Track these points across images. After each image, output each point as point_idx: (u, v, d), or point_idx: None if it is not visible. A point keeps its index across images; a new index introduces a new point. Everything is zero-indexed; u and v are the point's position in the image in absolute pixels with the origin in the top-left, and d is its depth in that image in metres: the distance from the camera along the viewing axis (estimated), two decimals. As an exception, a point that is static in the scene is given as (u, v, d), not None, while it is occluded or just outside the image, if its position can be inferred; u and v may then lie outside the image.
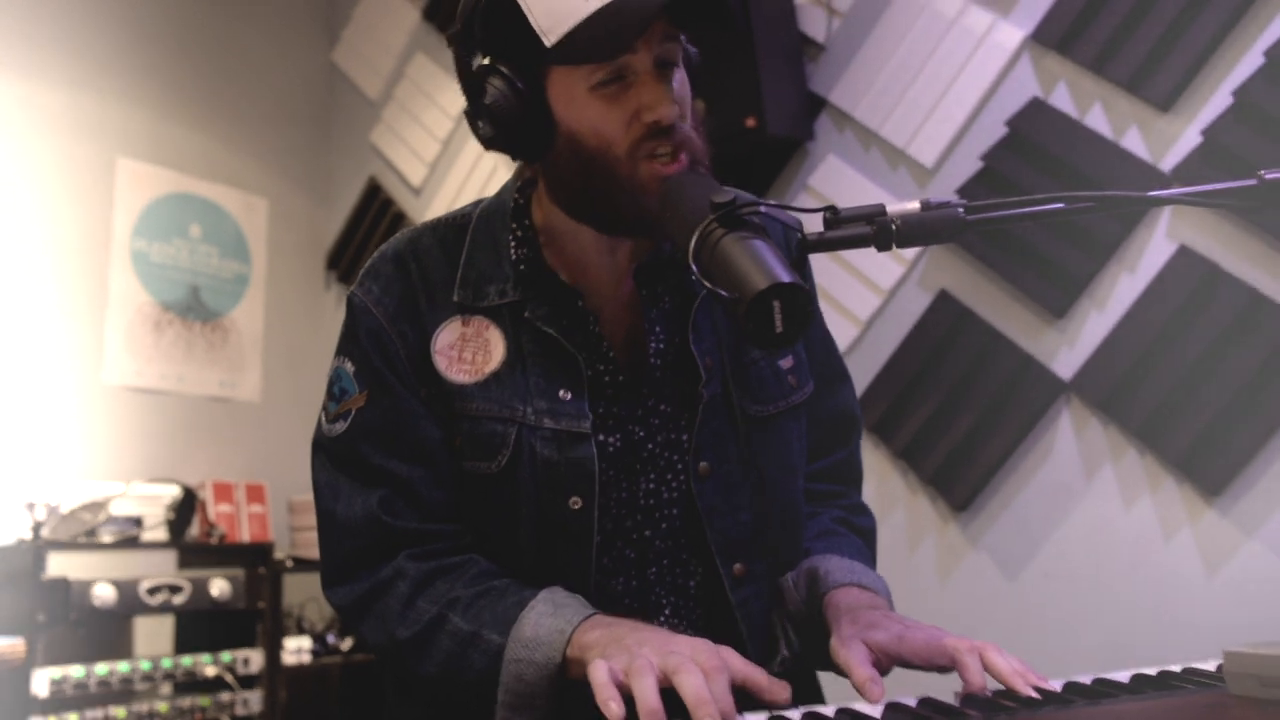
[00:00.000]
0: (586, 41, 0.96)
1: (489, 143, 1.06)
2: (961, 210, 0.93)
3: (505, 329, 1.09)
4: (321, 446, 1.12)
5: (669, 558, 1.11)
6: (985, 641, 0.93)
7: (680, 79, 1.04)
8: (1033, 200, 0.95)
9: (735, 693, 0.85)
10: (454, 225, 1.15)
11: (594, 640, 0.92)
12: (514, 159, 1.09)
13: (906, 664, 0.98)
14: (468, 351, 1.08)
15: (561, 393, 1.07)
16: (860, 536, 1.24)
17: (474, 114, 1.06)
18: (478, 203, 1.18)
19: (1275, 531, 1.99)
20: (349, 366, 1.10)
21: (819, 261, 1.63)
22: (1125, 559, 2.19)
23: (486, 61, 1.02)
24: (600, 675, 0.84)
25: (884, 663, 0.99)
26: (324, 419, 1.12)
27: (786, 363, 1.18)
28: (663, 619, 1.10)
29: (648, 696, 0.81)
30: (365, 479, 1.07)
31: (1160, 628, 2.12)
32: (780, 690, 0.85)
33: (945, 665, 0.94)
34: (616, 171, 1.01)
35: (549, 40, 0.97)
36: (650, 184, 1.01)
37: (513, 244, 1.11)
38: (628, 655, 0.86)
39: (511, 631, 0.96)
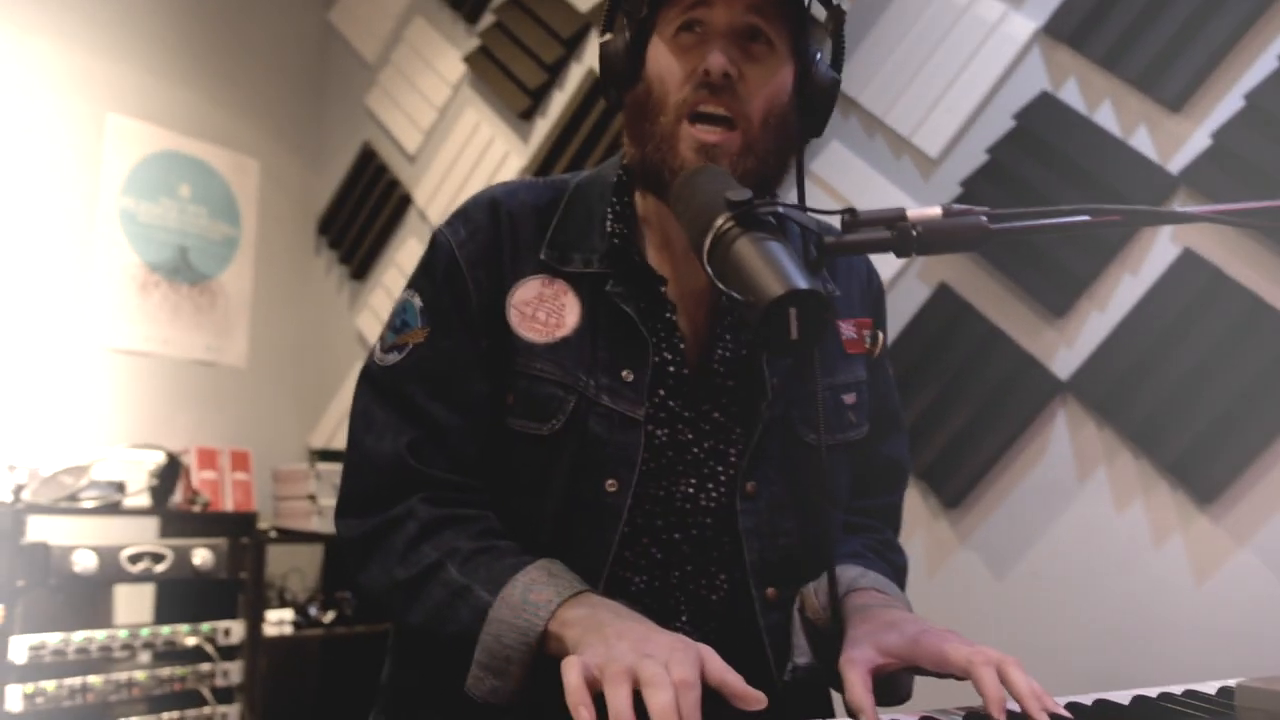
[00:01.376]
0: None
1: (601, 85, 1.09)
2: (985, 219, 0.90)
3: (584, 297, 1.08)
4: (369, 374, 1.11)
5: (693, 565, 1.10)
6: (1006, 655, 0.91)
7: (769, 68, 1.03)
8: (1057, 211, 0.92)
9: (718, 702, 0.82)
10: (552, 187, 1.16)
11: (575, 619, 0.90)
12: (610, 104, 1.10)
13: (919, 668, 0.97)
14: (542, 311, 1.08)
15: (625, 373, 1.06)
16: (890, 566, 1.22)
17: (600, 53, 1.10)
18: (578, 171, 1.19)
19: (1266, 542, 1.99)
20: (417, 301, 1.10)
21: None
22: (1115, 562, 2.18)
23: (613, 12, 1.08)
24: (573, 677, 0.81)
25: (896, 666, 0.97)
26: (379, 346, 1.12)
27: (850, 398, 1.18)
28: (680, 624, 1.09)
29: (620, 708, 0.78)
30: (402, 415, 1.07)
31: (1147, 633, 2.12)
32: (756, 695, 0.82)
33: (959, 675, 0.92)
34: (661, 118, 1.03)
35: None
36: (683, 141, 1.01)
37: (610, 217, 1.11)
38: (604, 648, 0.83)
39: (501, 592, 0.94)
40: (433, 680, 1.09)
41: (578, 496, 1.05)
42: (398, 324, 1.11)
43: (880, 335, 1.18)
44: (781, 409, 1.11)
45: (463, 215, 1.13)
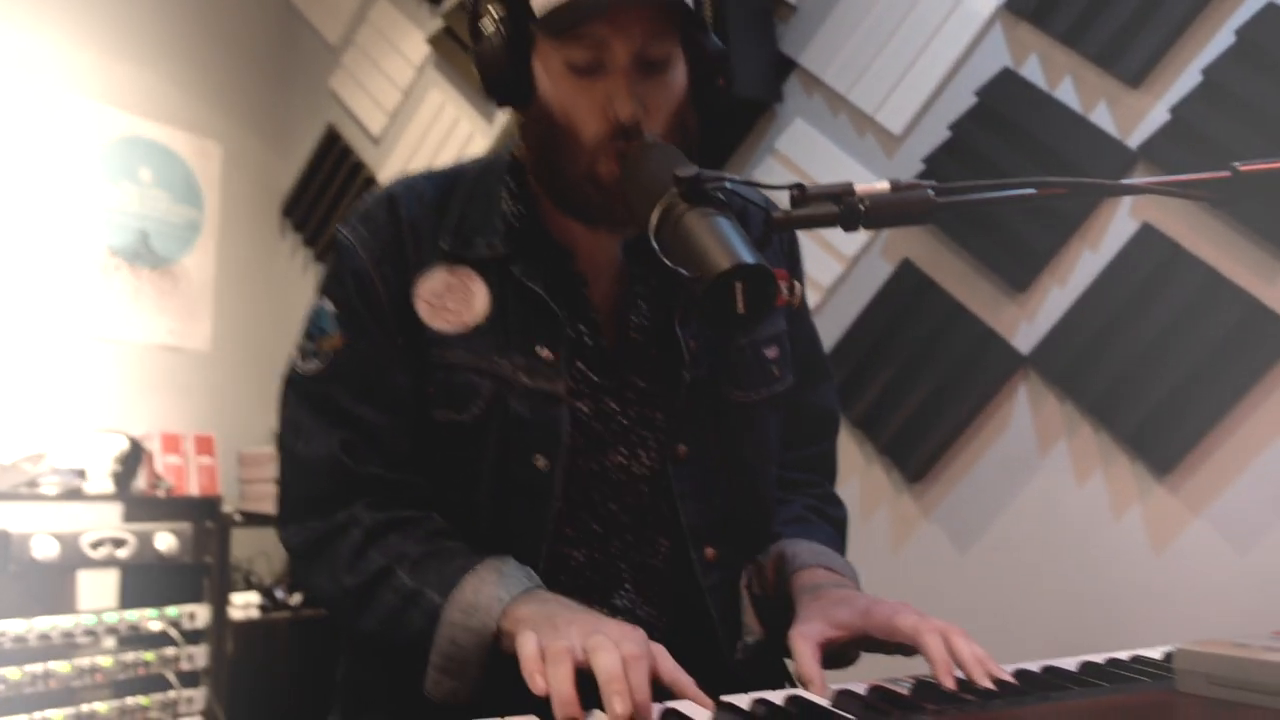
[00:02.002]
0: (562, 14, 0.96)
1: (480, 85, 1.07)
2: (931, 192, 0.90)
3: (491, 282, 1.08)
4: (292, 383, 1.11)
5: (634, 534, 1.10)
6: (951, 625, 0.93)
7: (668, 81, 1.02)
8: (1004, 184, 0.93)
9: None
10: (449, 176, 1.15)
11: (527, 615, 0.90)
12: (498, 106, 1.09)
13: (870, 640, 0.98)
14: (451, 301, 1.07)
15: (541, 350, 1.06)
16: (831, 525, 1.24)
17: (473, 56, 1.07)
18: (476, 159, 1.18)
19: (1221, 511, 2.01)
20: (330, 307, 1.09)
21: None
22: (1075, 534, 2.21)
23: (490, 9, 1.03)
24: (529, 648, 0.82)
25: (846, 638, 0.98)
26: (298, 356, 1.11)
27: (772, 352, 1.18)
28: (623, 593, 1.10)
29: (561, 687, 0.79)
30: (331, 420, 1.06)
31: (1107, 603, 2.15)
32: (706, 699, 0.83)
33: (908, 644, 0.93)
34: (577, 158, 1.01)
35: (537, 9, 0.98)
36: (603, 178, 1.01)
37: (507, 197, 1.10)
38: (554, 634, 0.84)
39: (451, 594, 0.94)
40: (389, 677, 1.09)
41: (508, 478, 1.05)
42: (314, 331, 1.10)
43: (798, 285, 1.20)
44: (704, 369, 1.12)
45: (362, 214, 1.12)
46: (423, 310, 1.07)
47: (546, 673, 0.80)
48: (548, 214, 1.10)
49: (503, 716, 0.78)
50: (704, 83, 1.08)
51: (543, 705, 0.79)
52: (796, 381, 1.22)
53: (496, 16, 1.02)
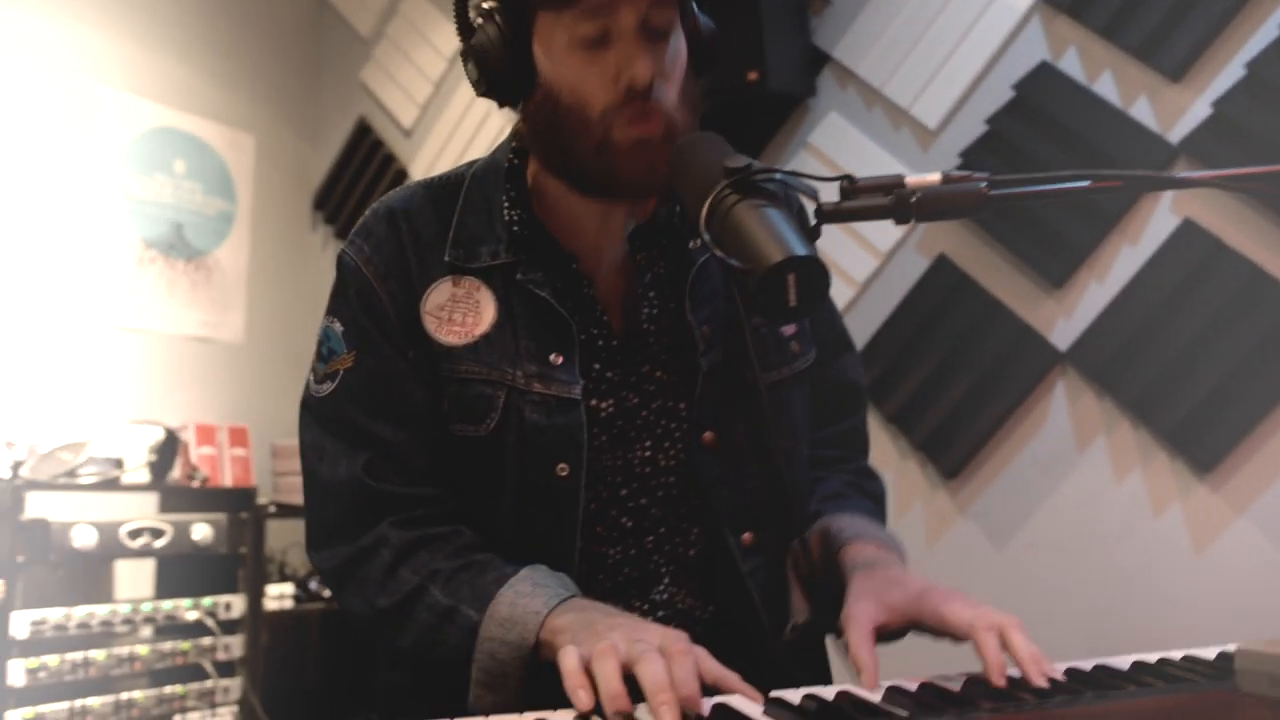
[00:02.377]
0: None
1: (476, 86, 1.05)
2: (984, 185, 0.89)
3: (497, 291, 1.07)
4: (309, 406, 1.10)
5: (666, 526, 1.10)
6: (1008, 617, 0.91)
7: (672, 50, 1.01)
8: (1057, 177, 0.91)
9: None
10: (447, 184, 1.13)
11: (566, 624, 0.90)
12: (499, 104, 1.06)
13: (922, 626, 0.97)
14: (458, 313, 1.06)
15: (553, 357, 1.05)
16: (870, 499, 1.23)
17: (464, 54, 1.05)
18: (472, 163, 1.16)
19: (1264, 511, 1.99)
20: (337, 326, 1.08)
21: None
22: (1114, 532, 2.19)
23: (481, 3, 1.02)
24: (570, 662, 0.82)
25: (900, 623, 0.97)
26: (312, 379, 1.10)
27: (789, 329, 1.17)
28: (662, 587, 1.09)
29: (610, 682, 0.78)
30: (351, 441, 1.05)
31: (1146, 603, 2.13)
32: (754, 694, 0.82)
33: (961, 636, 0.92)
34: (588, 132, 1.00)
35: None
36: (622, 144, 0.99)
37: (505, 205, 1.09)
38: (596, 640, 0.84)
39: (488, 609, 0.94)
40: (423, 680, 1.09)
41: (531, 487, 1.04)
42: (324, 352, 1.09)
43: None
44: (722, 354, 1.10)
45: (363, 231, 1.10)
46: (430, 324, 1.06)
47: (594, 672, 0.80)
48: (550, 211, 1.09)
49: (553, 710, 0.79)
50: (699, 61, 1.07)
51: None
52: (818, 358, 1.21)
53: (494, 13, 1.01)
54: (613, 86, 0.98)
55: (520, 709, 0.91)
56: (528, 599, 0.93)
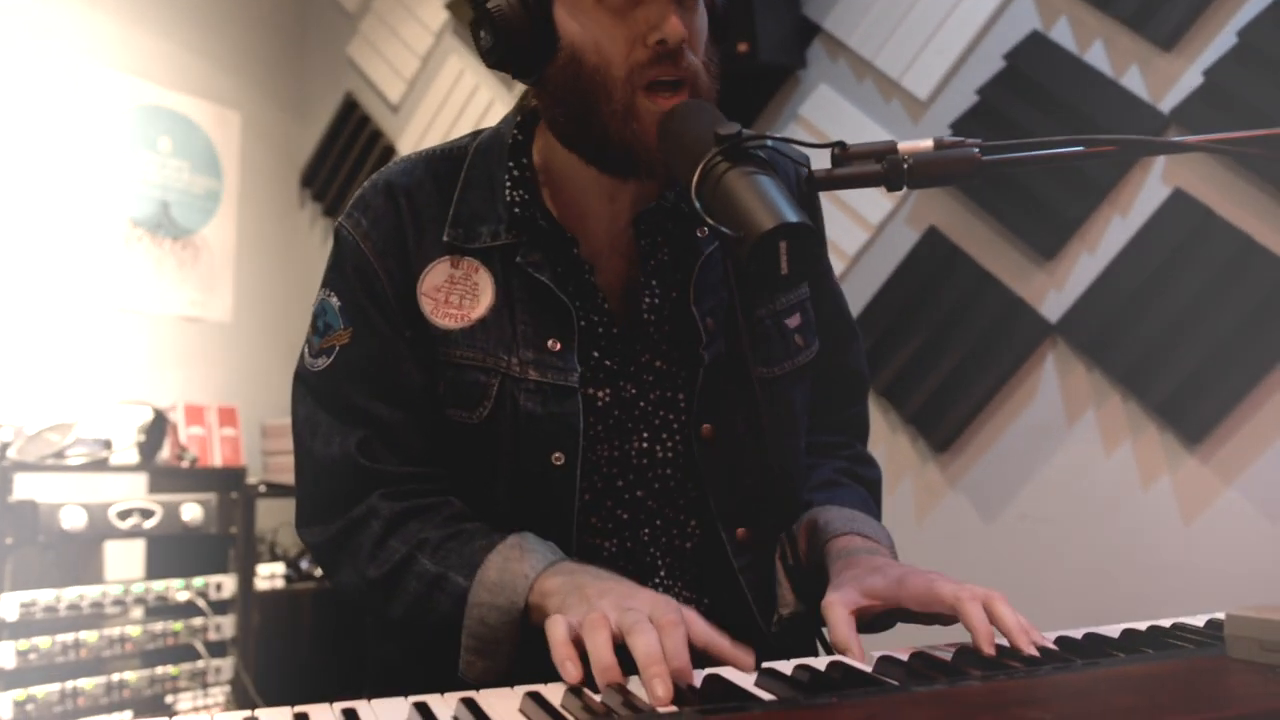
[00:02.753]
0: None
1: (488, 56, 1.00)
2: (977, 150, 0.89)
3: (495, 273, 1.04)
4: (303, 380, 1.08)
5: (662, 518, 1.08)
6: (993, 590, 0.91)
7: (698, 13, 0.99)
8: (1051, 142, 0.91)
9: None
10: (449, 158, 1.10)
11: (555, 587, 0.89)
12: (514, 76, 1.01)
13: (905, 611, 0.96)
14: (455, 295, 1.04)
15: (550, 343, 1.03)
16: (864, 486, 1.22)
17: (476, 23, 1.00)
18: (476, 134, 1.12)
19: (1253, 481, 2.00)
20: (334, 301, 1.06)
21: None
22: (1103, 504, 2.19)
23: None
24: (559, 632, 0.81)
25: (881, 608, 0.97)
26: (307, 352, 1.08)
27: (794, 321, 1.14)
28: (658, 580, 1.08)
29: (601, 653, 0.77)
30: (345, 418, 1.04)
31: (1135, 574, 2.13)
32: (746, 657, 0.81)
33: (946, 614, 0.91)
34: (611, 95, 0.96)
35: None
36: (645, 117, 0.96)
37: (508, 183, 1.06)
38: (586, 606, 0.83)
39: (477, 574, 0.93)
40: (413, 652, 1.08)
41: (526, 475, 1.03)
42: (320, 326, 1.07)
43: None
44: (722, 347, 1.08)
45: (361, 204, 1.07)
46: (427, 306, 1.03)
47: (585, 642, 0.79)
48: (554, 191, 1.07)
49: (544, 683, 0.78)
50: (717, 23, 1.05)
51: (588, 672, 0.79)
52: (824, 345, 1.19)
53: None
54: (640, 44, 0.95)
55: (512, 674, 0.91)
56: (516, 563, 0.92)
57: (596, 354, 1.05)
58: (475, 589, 0.93)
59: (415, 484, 1.04)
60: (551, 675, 0.81)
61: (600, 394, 1.05)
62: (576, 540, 1.03)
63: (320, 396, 1.06)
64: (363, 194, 1.09)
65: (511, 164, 1.07)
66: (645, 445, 1.07)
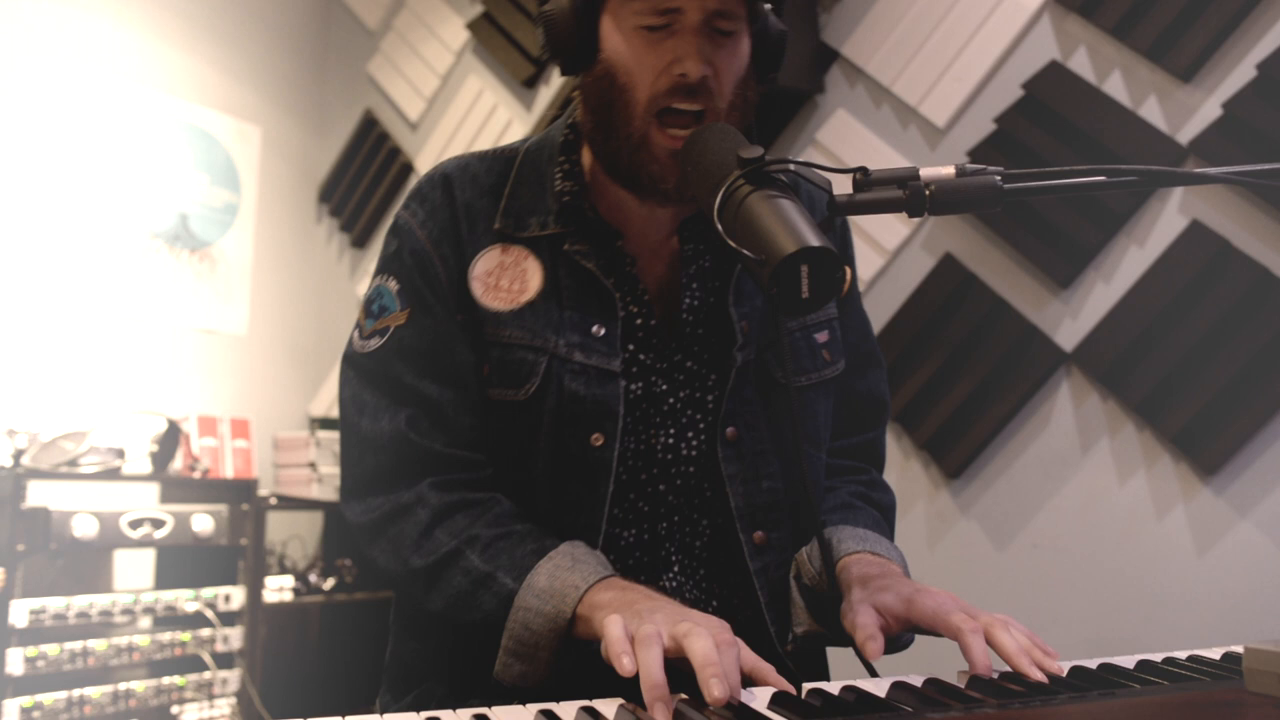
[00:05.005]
0: None
1: (542, 49, 1.07)
2: (999, 179, 0.89)
3: (544, 260, 1.09)
4: (351, 361, 1.12)
5: (680, 515, 1.10)
6: (997, 616, 0.91)
7: (734, 52, 1.02)
8: (1072, 171, 0.91)
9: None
10: (501, 157, 1.16)
11: (606, 601, 0.90)
12: (561, 72, 1.09)
13: (915, 628, 0.97)
14: (505, 279, 1.08)
15: (595, 328, 1.07)
16: (878, 510, 1.23)
17: (537, 20, 1.08)
18: (525, 139, 1.18)
19: (1268, 514, 1.98)
20: (392, 284, 1.10)
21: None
22: (1116, 534, 2.18)
23: None
24: (615, 630, 0.82)
25: (892, 626, 0.97)
26: (357, 335, 1.12)
27: (822, 336, 1.17)
28: (670, 575, 1.09)
29: (651, 669, 0.78)
30: (395, 397, 1.07)
31: (1148, 605, 2.12)
32: (788, 686, 0.82)
33: (951, 637, 0.92)
34: (630, 118, 1.01)
35: None
36: (656, 148, 1.01)
37: (559, 176, 1.11)
38: (639, 620, 0.84)
39: (526, 578, 0.94)
40: (434, 650, 1.09)
41: (566, 455, 1.05)
42: (375, 309, 1.11)
43: (848, 271, 1.18)
44: (754, 352, 1.11)
45: (418, 196, 1.13)
46: (477, 289, 1.07)
47: (637, 655, 0.79)
48: (600, 192, 1.11)
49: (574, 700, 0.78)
50: (764, 62, 1.08)
51: (621, 687, 0.79)
52: (847, 368, 1.22)
53: None
54: (665, 74, 1.00)
55: (546, 682, 0.92)
56: (567, 573, 0.93)
57: (632, 347, 1.09)
58: (523, 593, 0.93)
59: (462, 470, 1.06)
60: (585, 688, 0.81)
61: (634, 386, 1.08)
62: (605, 524, 1.05)
63: (369, 375, 1.09)
64: (419, 187, 1.14)
65: (562, 158, 1.12)
66: (671, 441, 1.09)
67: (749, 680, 0.83)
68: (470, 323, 1.07)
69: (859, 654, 0.95)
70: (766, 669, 0.83)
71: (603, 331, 1.07)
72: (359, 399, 1.09)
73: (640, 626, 0.81)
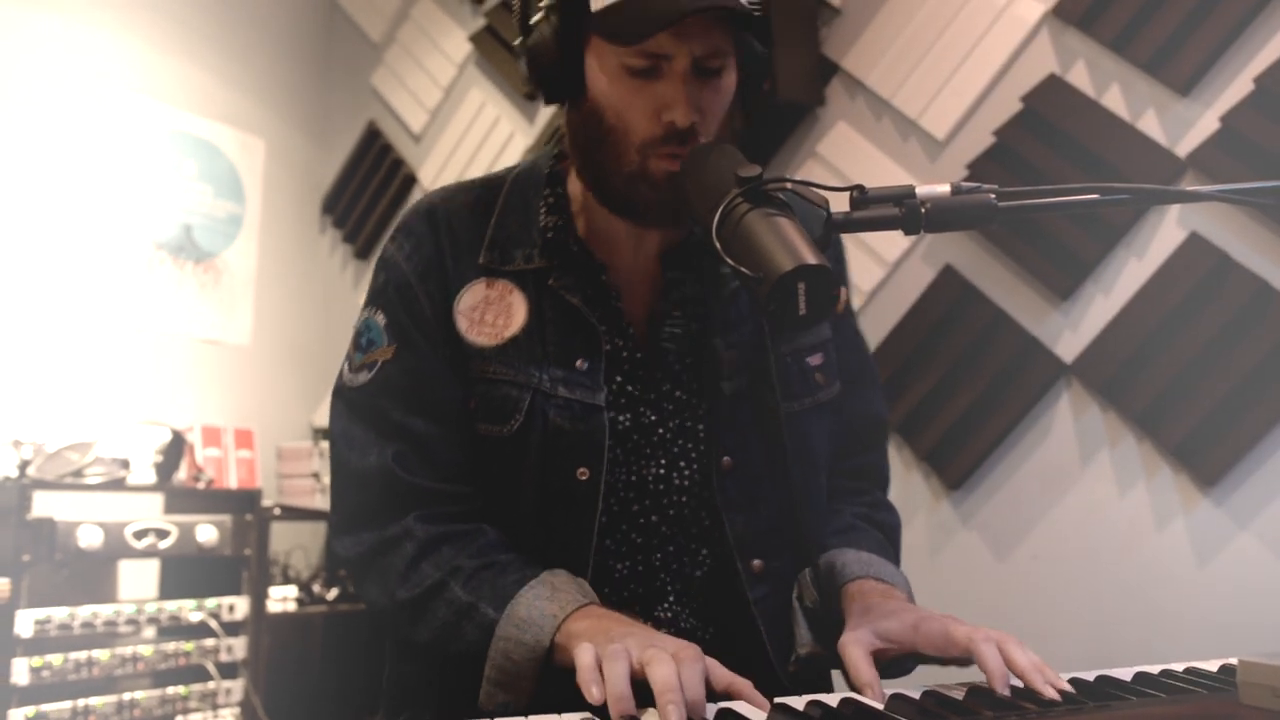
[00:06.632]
0: (621, 20, 0.97)
1: (525, 80, 1.07)
2: (993, 197, 0.90)
3: (529, 294, 1.09)
4: (341, 395, 1.12)
5: (675, 545, 1.10)
6: (1007, 634, 0.92)
7: (720, 86, 1.03)
8: (1066, 189, 0.92)
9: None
10: (488, 186, 1.15)
11: (582, 630, 0.91)
12: (545, 102, 1.08)
13: (920, 655, 0.97)
14: (489, 314, 1.08)
15: (579, 362, 1.07)
16: (882, 532, 1.22)
17: (518, 53, 1.07)
18: (513, 167, 1.18)
19: (1268, 525, 1.99)
20: (380, 319, 1.10)
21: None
22: (1116, 545, 2.19)
23: (541, 3, 1.03)
24: (586, 658, 0.83)
25: (896, 652, 0.97)
26: (347, 368, 1.12)
27: (815, 359, 1.17)
28: (666, 605, 1.09)
29: (616, 683, 0.79)
30: (382, 432, 1.07)
31: (1147, 616, 2.12)
32: (763, 703, 0.83)
33: (959, 657, 0.92)
34: (624, 157, 1.01)
35: (594, 4, 0.99)
36: (656, 176, 1.01)
37: (543, 210, 1.11)
38: (610, 644, 0.85)
39: (506, 608, 0.95)
40: (430, 675, 1.10)
41: (551, 490, 1.05)
42: (363, 343, 1.11)
43: (844, 291, 1.18)
44: (744, 379, 1.11)
45: (404, 228, 1.13)
46: (462, 325, 1.07)
47: (604, 672, 0.81)
48: (588, 220, 1.11)
49: (559, 714, 0.79)
50: (750, 84, 1.09)
51: (602, 710, 0.80)
52: (844, 389, 1.21)
53: (552, 18, 1.03)
54: (656, 119, 1.00)
55: (529, 711, 0.93)
56: (545, 602, 0.94)
57: (620, 379, 1.09)
58: (503, 623, 0.94)
59: (450, 505, 1.06)
60: (564, 710, 0.82)
61: (622, 418, 1.08)
62: (593, 560, 1.05)
63: (358, 410, 1.09)
64: (405, 219, 1.14)
65: (547, 191, 1.12)
66: (662, 472, 1.09)
67: (726, 696, 0.83)
68: (456, 357, 1.07)
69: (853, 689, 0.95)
70: (742, 684, 0.83)
71: (586, 365, 1.07)
72: (348, 434, 1.09)
73: (609, 647, 0.83)
